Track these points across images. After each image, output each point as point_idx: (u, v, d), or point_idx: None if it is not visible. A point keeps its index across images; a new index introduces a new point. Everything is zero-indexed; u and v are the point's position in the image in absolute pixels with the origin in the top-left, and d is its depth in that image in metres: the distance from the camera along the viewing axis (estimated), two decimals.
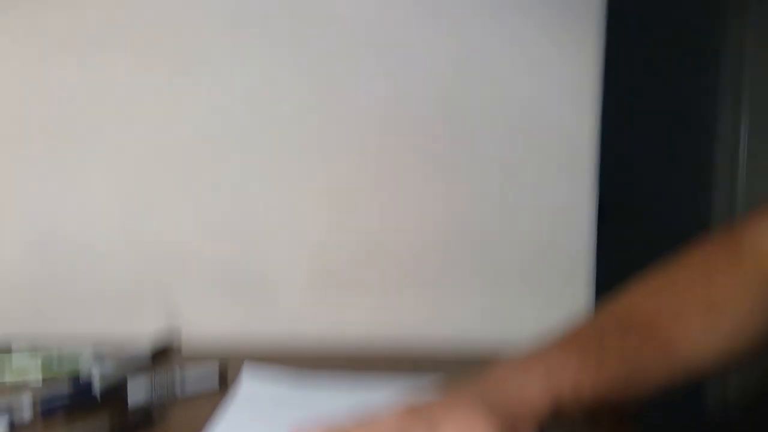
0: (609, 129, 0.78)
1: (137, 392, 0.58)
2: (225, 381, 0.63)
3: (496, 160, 0.76)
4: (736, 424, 1.03)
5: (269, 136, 0.77)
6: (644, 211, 1.06)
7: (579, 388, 0.43)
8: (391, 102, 0.76)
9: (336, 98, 0.77)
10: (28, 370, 0.66)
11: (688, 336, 0.46)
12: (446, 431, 0.40)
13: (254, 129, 0.77)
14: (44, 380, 0.65)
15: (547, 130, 0.75)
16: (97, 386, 0.60)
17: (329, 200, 0.77)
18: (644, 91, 1.08)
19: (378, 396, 0.50)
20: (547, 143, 0.75)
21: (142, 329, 0.78)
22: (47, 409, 0.55)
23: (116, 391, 0.59)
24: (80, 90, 0.77)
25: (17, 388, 0.62)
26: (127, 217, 0.78)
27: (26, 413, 0.55)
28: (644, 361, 0.46)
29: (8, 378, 0.65)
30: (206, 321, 0.79)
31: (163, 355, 0.73)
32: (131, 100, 0.77)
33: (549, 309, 0.77)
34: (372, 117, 0.77)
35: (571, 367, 0.44)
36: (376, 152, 0.77)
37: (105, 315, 0.80)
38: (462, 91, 0.76)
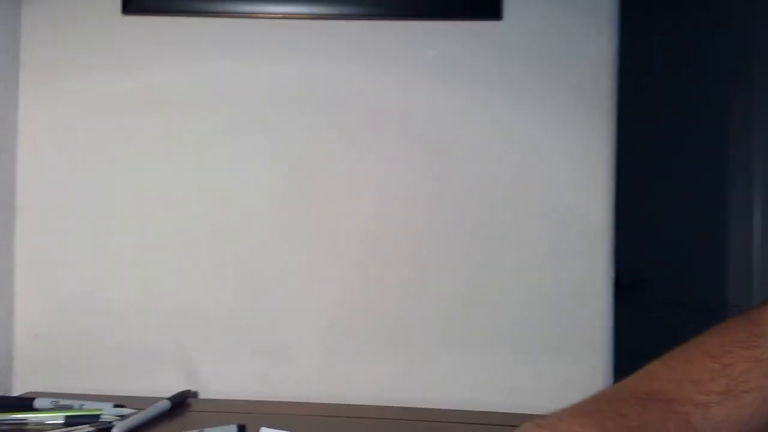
0: (625, 209, 0.80)
1: None
2: None
3: (516, 236, 0.78)
4: None
5: (292, 212, 0.80)
6: (662, 287, 1.07)
7: None
8: (412, 182, 0.80)
9: (354, 182, 0.80)
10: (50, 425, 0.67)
11: (708, 417, 0.46)
12: None
13: (276, 205, 0.81)
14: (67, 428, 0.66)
15: (565, 211, 0.78)
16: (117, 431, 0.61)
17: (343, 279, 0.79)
18: (657, 176, 1.11)
19: None
20: (566, 222, 0.78)
21: (161, 389, 0.79)
22: None
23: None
24: (116, 153, 0.81)
25: None
26: (151, 281, 0.81)
27: None
28: None
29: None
30: (224, 385, 0.80)
31: (180, 406, 0.73)
32: (163, 167, 0.81)
33: (565, 381, 0.77)
34: (393, 197, 0.80)
35: None
36: (395, 232, 0.79)
37: (126, 375, 0.81)
38: (483, 171, 0.79)
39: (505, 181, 0.79)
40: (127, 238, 0.81)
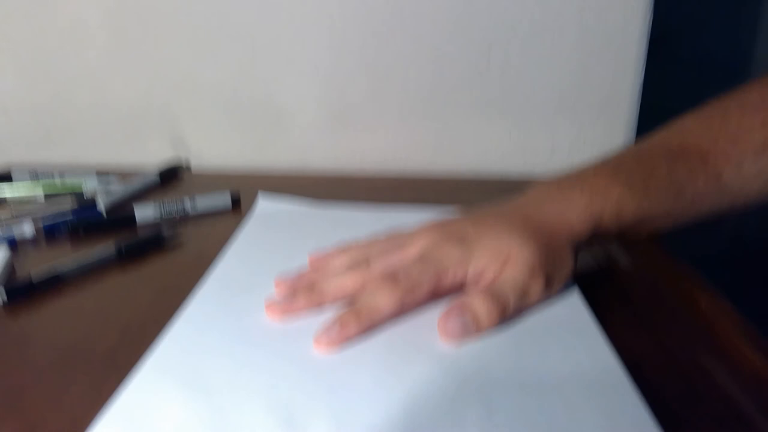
0: None
1: (145, 212, 0.54)
2: (238, 204, 0.59)
3: None
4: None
5: None
6: (695, 45, 0.96)
7: (622, 212, 0.41)
8: None
9: None
10: (31, 193, 0.62)
11: (741, 173, 0.43)
12: (479, 252, 0.38)
13: None
14: (47, 200, 0.61)
15: None
16: (102, 203, 0.57)
17: (338, 31, 0.68)
18: None
19: (402, 222, 0.46)
20: None
21: (147, 158, 0.74)
22: (50, 228, 0.52)
23: (123, 210, 0.55)
24: None
25: (19, 207, 0.59)
26: (127, 42, 0.71)
27: (28, 231, 0.51)
28: (691, 191, 0.43)
29: (9, 196, 0.62)
30: (215, 151, 0.75)
31: (172, 178, 0.69)
32: None
33: (584, 140, 0.71)
34: None
35: (616, 189, 0.41)
36: None
37: (108, 144, 0.75)
38: None
39: None
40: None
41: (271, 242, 0.49)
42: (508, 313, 0.36)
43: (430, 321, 0.36)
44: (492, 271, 0.37)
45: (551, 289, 0.38)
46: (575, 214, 0.40)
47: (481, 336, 0.35)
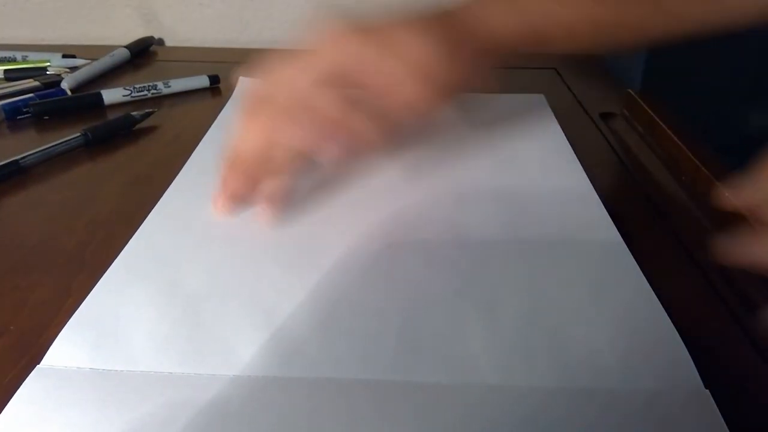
0: None
1: (115, 94, 0.50)
2: (217, 82, 0.54)
3: None
4: None
5: None
6: None
7: (566, 28, 0.35)
8: None
9: None
10: None
11: None
12: (397, 52, 0.32)
13: None
14: (8, 82, 0.56)
15: None
16: (67, 84, 0.52)
17: None
18: None
19: None
20: None
21: (117, 36, 0.68)
22: (11, 109, 0.47)
23: (90, 90, 0.51)
24: None
25: None
26: None
27: None
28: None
29: None
30: (190, 30, 0.68)
31: (143, 55, 0.63)
32: None
33: None
34: None
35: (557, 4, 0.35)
36: None
37: (72, 23, 0.69)
38: None
39: None
40: None
41: None
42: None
43: (430, 223, 0.33)
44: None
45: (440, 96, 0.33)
46: (507, 29, 0.35)
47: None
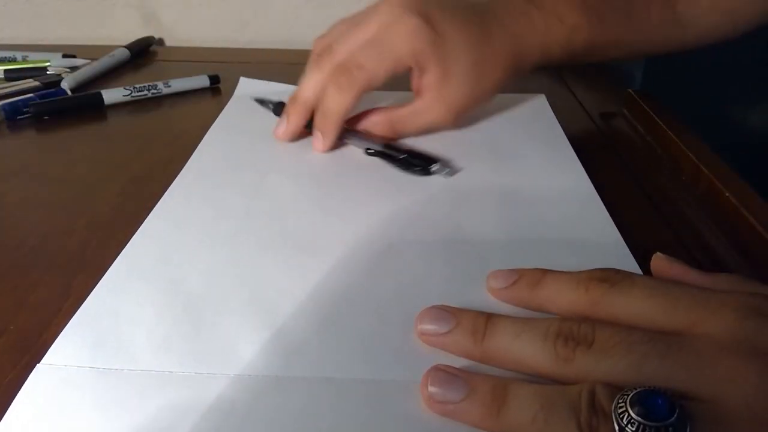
0: None
1: (115, 94, 0.50)
2: (217, 82, 0.54)
3: None
4: None
5: None
6: None
7: (573, 41, 0.41)
8: None
9: None
10: None
11: (693, 4, 0.43)
12: (368, 25, 0.38)
13: None
14: (9, 82, 0.56)
15: None
16: (67, 83, 0.52)
17: None
18: None
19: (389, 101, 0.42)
20: None
21: (117, 36, 0.68)
22: (11, 109, 0.47)
23: (90, 90, 0.51)
24: None
25: None
26: None
27: None
28: (645, 18, 0.42)
29: None
30: (190, 26, 0.68)
31: (143, 56, 0.63)
32: None
33: None
34: None
35: (574, 15, 0.40)
36: None
37: (72, 23, 0.69)
38: None
39: None
40: None
41: (253, 128, 0.45)
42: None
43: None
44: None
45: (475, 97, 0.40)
46: (528, 43, 0.40)
47: None
